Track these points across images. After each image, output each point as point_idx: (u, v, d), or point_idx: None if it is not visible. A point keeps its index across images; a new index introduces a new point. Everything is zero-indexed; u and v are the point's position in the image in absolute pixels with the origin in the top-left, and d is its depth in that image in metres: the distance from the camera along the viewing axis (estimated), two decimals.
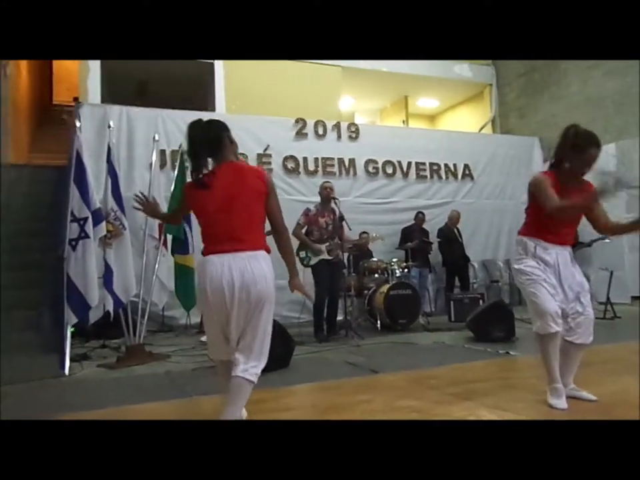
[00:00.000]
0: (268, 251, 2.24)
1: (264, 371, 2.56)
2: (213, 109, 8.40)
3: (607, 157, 7.89)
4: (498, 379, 3.22)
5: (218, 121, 2.29)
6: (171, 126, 6.97)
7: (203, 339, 5.36)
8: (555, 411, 2.41)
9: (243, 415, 2.29)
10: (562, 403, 2.44)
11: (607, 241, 5.89)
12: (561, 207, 2.42)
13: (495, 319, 4.75)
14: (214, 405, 2.69)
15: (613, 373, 3.18)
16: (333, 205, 5.32)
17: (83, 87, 7.77)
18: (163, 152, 6.84)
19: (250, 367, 2.11)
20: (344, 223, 5.22)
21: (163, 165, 6.81)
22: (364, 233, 6.60)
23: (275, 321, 3.47)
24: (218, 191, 2.15)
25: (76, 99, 7.00)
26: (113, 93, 8.63)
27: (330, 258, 5.16)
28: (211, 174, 2.18)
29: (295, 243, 5.36)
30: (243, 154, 7.22)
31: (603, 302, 6.18)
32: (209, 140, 2.19)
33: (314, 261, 5.15)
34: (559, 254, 2.58)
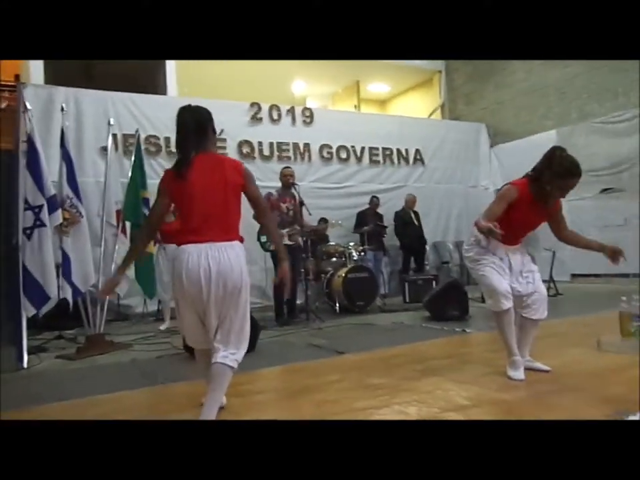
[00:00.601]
0: (242, 241, 2.27)
1: None
2: (164, 92, 8.19)
3: (548, 142, 8.29)
4: (457, 355, 3.40)
5: (205, 109, 2.29)
6: (121, 109, 6.77)
7: (162, 327, 5.33)
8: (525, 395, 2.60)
9: (223, 401, 2.34)
10: (520, 374, 2.63)
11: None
12: (481, 226, 2.51)
13: (450, 298, 4.97)
14: (187, 392, 2.74)
15: (561, 345, 3.42)
16: (293, 190, 5.36)
17: (25, 67, 7.37)
18: (114, 136, 6.62)
19: (229, 354, 2.16)
20: (304, 208, 5.27)
21: (114, 149, 6.60)
22: (323, 219, 6.69)
23: None
24: (196, 182, 2.16)
25: (17, 77, 6.66)
26: (57, 74, 8.23)
27: (291, 243, 5.21)
28: (189, 164, 2.17)
29: (255, 228, 5.40)
30: None
31: (546, 280, 6.55)
32: (198, 129, 2.20)
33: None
34: (509, 249, 2.76)
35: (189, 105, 2.29)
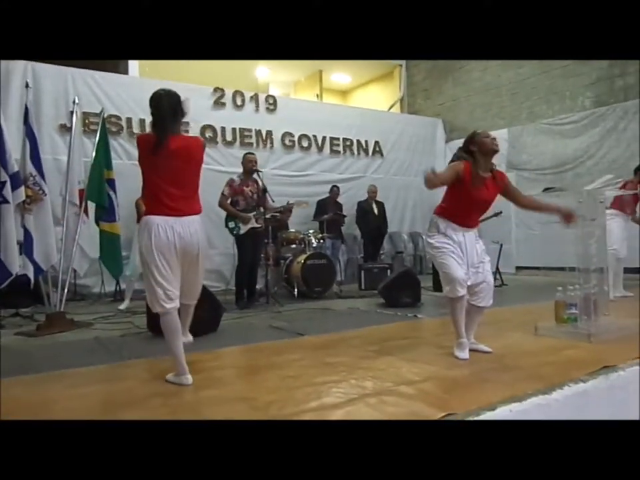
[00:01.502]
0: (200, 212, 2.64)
1: (193, 335, 2.87)
2: (125, 71, 8.05)
3: (500, 141, 8.69)
4: (410, 338, 3.65)
5: (178, 94, 2.46)
6: (81, 86, 6.65)
7: (122, 307, 5.37)
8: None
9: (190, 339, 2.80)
10: (465, 354, 2.89)
11: (500, 214, 6.55)
12: (428, 184, 2.78)
13: (404, 286, 5.23)
14: (152, 367, 2.85)
15: (504, 330, 3.72)
16: (255, 176, 5.46)
17: None
18: (71, 113, 6.52)
19: (191, 301, 2.77)
20: (267, 194, 5.39)
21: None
22: (287, 203, 6.82)
23: (204, 287, 3.69)
24: (169, 162, 2.44)
25: None
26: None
27: (258, 226, 5.33)
28: (166, 144, 2.41)
29: (220, 215, 5.49)
30: None
31: (493, 271, 6.94)
32: (174, 112, 2.45)
33: (243, 229, 5.27)
34: (466, 235, 2.97)
35: (165, 89, 2.51)
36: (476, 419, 1.93)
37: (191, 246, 2.52)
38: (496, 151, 2.94)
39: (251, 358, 3.15)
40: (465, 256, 2.96)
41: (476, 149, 2.90)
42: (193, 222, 2.55)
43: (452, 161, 3.20)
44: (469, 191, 2.89)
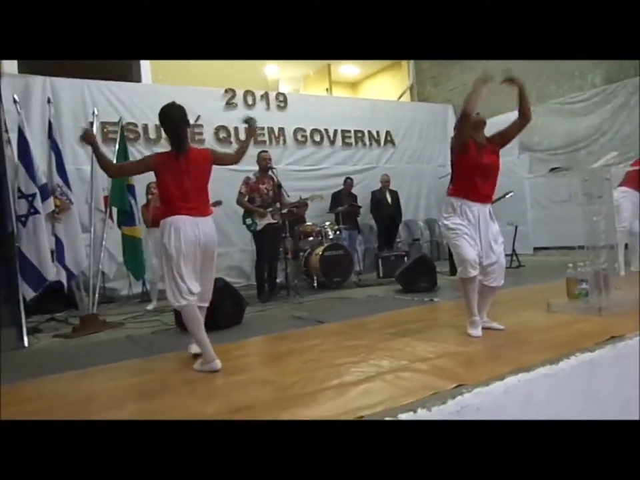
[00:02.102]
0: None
1: (218, 328, 3.05)
2: (139, 79, 8.30)
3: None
4: (426, 320, 3.79)
5: (181, 106, 2.80)
6: (98, 96, 6.89)
7: (149, 307, 5.60)
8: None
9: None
10: (478, 331, 3.02)
11: (510, 195, 6.63)
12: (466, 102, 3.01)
13: (420, 272, 5.36)
14: (181, 359, 3.04)
15: (518, 309, 3.83)
16: (270, 173, 5.63)
17: None
18: (91, 124, 6.77)
19: (205, 302, 2.95)
20: (282, 190, 5.56)
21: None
22: (300, 199, 6.98)
23: (226, 283, 3.89)
24: (189, 169, 2.74)
25: None
26: (29, 63, 8.23)
27: (275, 221, 5.50)
28: (186, 150, 2.74)
29: (240, 211, 5.67)
30: None
31: (509, 254, 7.01)
32: (186, 123, 2.77)
33: (260, 225, 5.46)
34: (480, 210, 3.07)
35: (175, 103, 2.83)
36: (485, 388, 2.07)
37: (212, 243, 2.79)
38: (483, 122, 3.14)
39: (274, 346, 3.33)
40: (478, 235, 3.06)
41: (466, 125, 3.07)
42: (211, 222, 2.84)
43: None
44: (474, 157, 3.04)
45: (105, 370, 2.98)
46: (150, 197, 5.64)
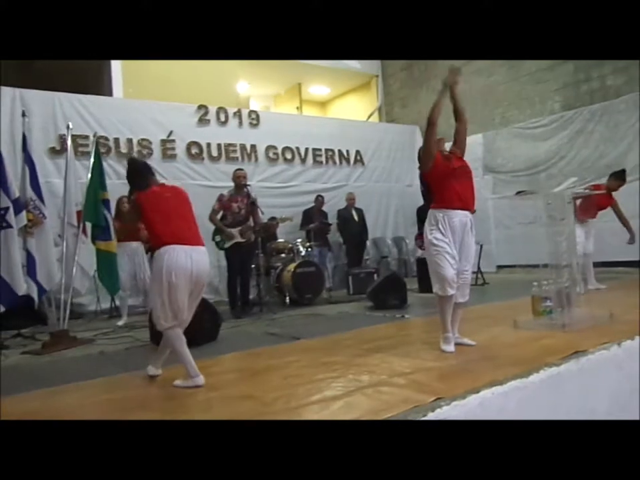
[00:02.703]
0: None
1: (196, 344, 3.08)
2: (110, 92, 8.23)
3: (475, 145, 9.09)
4: (398, 336, 3.90)
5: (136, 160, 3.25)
6: (68, 109, 6.84)
7: (120, 323, 5.53)
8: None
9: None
10: (451, 347, 3.14)
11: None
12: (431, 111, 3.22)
13: (390, 289, 5.49)
14: (163, 374, 3.04)
15: (486, 325, 3.98)
16: (245, 190, 5.69)
17: None
18: (62, 136, 6.70)
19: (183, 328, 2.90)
20: (258, 208, 5.62)
21: (63, 150, 6.66)
22: (272, 218, 7.05)
23: (204, 299, 3.92)
24: (169, 203, 2.88)
25: None
26: None
27: (242, 240, 5.54)
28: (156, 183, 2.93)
29: (210, 227, 5.69)
30: (146, 139, 7.31)
31: (475, 271, 7.24)
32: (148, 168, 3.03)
33: (228, 244, 5.51)
34: (461, 222, 3.17)
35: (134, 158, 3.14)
36: (462, 401, 2.17)
37: (204, 273, 2.85)
38: (441, 139, 3.37)
39: (252, 362, 3.36)
40: (460, 247, 3.18)
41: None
42: (204, 252, 2.89)
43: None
44: (445, 165, 3.21)
45: (82, 387, 2.96)
46: (123, 209, 5.61)
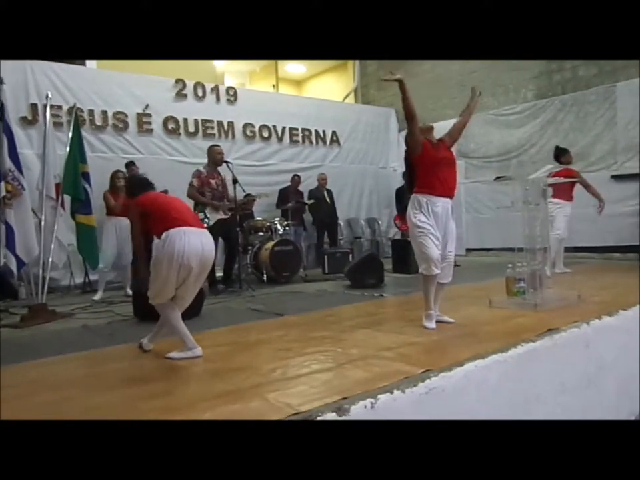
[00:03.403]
0: None
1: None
2: (83, 63, 7.99)
3: None
4: (380, 314, 4.05)
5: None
6: (41, 78, 6.61)
7: (96, 297, 5.50)
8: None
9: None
10: (433, 324, 3.30)
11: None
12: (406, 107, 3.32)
13: (368, 268, 5.63)
14: (153, 349, 3.08)
15: (462, 304, 4.15)
16: (226, 166, 5.68)
17: None
18: (34, 105, 6.52)
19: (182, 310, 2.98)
20: (238, 184, 5.62)
21: (34, 120, 6.50)
22: (247, 194, 7.06)
23: None
24: (169, 198, 3.15)
25: None
26: None
27: (226, 217, 5.56)
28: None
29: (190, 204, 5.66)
30: (121, 112, 7.16)
31: None
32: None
33: (212, 220, 5.50)
34: (443, 207, 3.31)
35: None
36: (449, 373, 2.31)
37: (211, 256, 2.91)
38: (430, 127, 3.50)
39: (241, 336, 3.43)
40: (443, 231, 3.32)
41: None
42: (210, 236, 2.96)
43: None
44: (432, 153, 3.33)
45: (74, 358, 2.99)
46: (119, 185, 5.52)
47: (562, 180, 4.71)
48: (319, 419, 1.84)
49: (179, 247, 2.69)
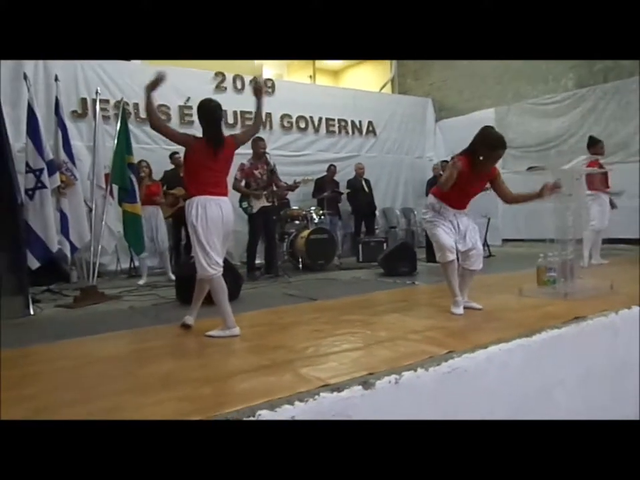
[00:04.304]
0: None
1: None
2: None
3: (487, 120, 9.17)
4: (410, 300, 4.17)
5: (219, 104, 3.18)
6: (90, 74, 6.97)
7: (141, 282, 5.81)
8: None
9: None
10: (460, 310, 3.40)
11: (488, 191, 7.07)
12: (444, 187, 3.26)
13: (401, 257, 5.74)
14: (193, 330, 3.28)
15: (492, 292, 4.21)
16: (266, 158, 5.90)
17: None
18: (83, 100, 6.87)
19: None
20: (276, 173, 5.85)
21: (84, 114, 6.85)
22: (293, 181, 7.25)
23: (226, 259, 4.17)
24: (217, 156, 3.05)
25: None
26: None
27: (269, 204, 5.80)
28: (222, 146, 3.05)
29: (234, 196, 5.91)
30: (164, 105, 7.44)
31: (482, 243, 7.46)
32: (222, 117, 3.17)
33: (256, 208, 5.77)
34: (456, 215, 3.45)
35: (213, 99, 3.18)
36: (471, 354, 2.43)
37: (231, 221, 3.11)
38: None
39: (277, 318, 3.62)
40: (454, 228, 3.44)
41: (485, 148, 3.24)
42: (229, 202, 3.13)
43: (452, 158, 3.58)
44: (466, 181, 3.32)
45: (124, 335, 3.24)
46: (143, 174, 5.84)
47: (589, 170, 4.67)
48: (345, 391, 1.99)
49: (201, 213, 2.97)
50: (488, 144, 3.27)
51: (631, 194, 6.60)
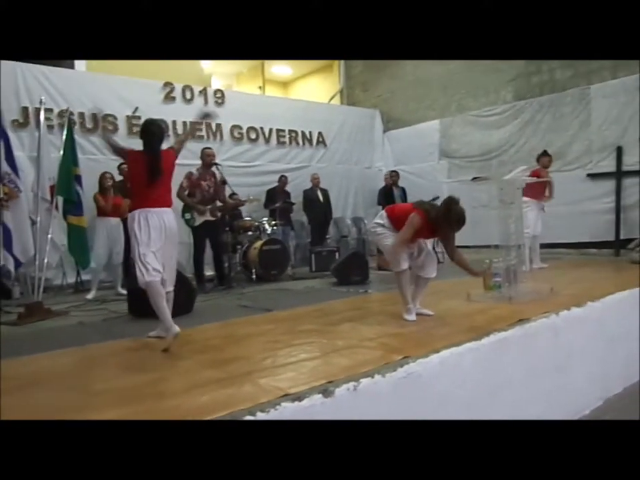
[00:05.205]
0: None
1: (173, 316, 3.28)
2: (72, 66, 8.10)
3: (432, 131, 9.53)
4: (363, 309, 4.25)
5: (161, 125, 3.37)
6: (31, 81, 6.74)
7: (89, 296, 5.64)
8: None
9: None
10: (413, 316, 3.51)
11: (437, 199, 7.29)
12: (398, 247, 3.43)
13: (353, 266, 5.84)
14: (149, 343, 3.25)
15: (442, 298, 4.37)
16: (213, 169, 5.86)
17: None
18: (25, 109, 6.63)
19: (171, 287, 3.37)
20: (227, 186, 5.81)
21: (26, 123, 6.61)
22: (233, 194, 7.22)
23: (180, 272, 4.14)
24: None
25: None
26: None
27: (212, 219, 5.74)
28: (159, 163, 3.17)
29: (178, 205, 5.84)
30: (111, 115, 7.29)
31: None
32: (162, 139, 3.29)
33: (198, 221, 5.68)
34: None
35: (154, 120, 3.34)
36: (425, 359, 2.52)
37: (173, 230, 3.24)
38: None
39: (232, 330, 3.61)
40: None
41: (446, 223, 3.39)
42: (172, 213, 3.27)
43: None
44: (422, 232, 3.49)
45: (75, 352, 3.14)
46: (108, 185, 5.71)
47: (530, 179, 4.94)
48: (305, 400, 2.03)
49: (143, 224, 3.11)
50: (450, 220, 3.39)
51: (568, 201, 7.00)
